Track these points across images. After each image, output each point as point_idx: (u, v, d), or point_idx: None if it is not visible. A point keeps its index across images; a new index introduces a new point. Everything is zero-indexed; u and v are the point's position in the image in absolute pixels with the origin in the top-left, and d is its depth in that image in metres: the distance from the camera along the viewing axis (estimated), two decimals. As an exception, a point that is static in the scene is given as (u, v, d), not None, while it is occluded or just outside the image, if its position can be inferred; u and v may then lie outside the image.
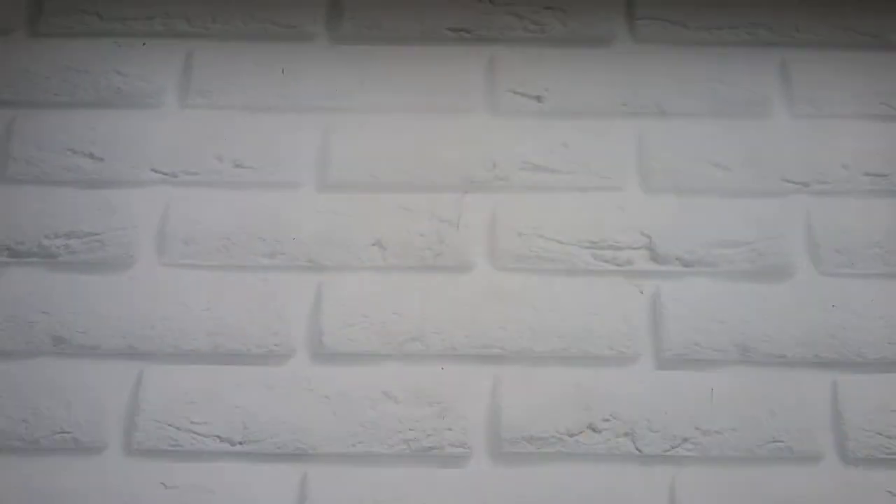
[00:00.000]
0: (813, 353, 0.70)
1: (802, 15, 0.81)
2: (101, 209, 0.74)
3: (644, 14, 0.81)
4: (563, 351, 0.70)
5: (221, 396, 0.69)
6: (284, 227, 0.73)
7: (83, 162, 0.76)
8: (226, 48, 0.80)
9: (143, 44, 0.81)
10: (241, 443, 0.68)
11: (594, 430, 0.68)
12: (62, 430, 0.68)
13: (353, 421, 0.68)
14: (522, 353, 0.70)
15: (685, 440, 0.68)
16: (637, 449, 0.67)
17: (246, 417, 0.68)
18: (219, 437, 0.68)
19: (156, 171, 0.76)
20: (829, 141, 0.77)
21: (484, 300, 0.71)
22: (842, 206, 0.75)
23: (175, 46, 0.80)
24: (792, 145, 0.77)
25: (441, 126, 0.78)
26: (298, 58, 0.80)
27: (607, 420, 0.68)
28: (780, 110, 0.78)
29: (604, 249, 0.73)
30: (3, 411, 0.68)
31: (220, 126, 0.77)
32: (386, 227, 0.74)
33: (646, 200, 0.75)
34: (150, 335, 0.70)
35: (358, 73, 0.79)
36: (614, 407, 0.69)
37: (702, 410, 0.69)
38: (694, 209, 0.74)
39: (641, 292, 0.72)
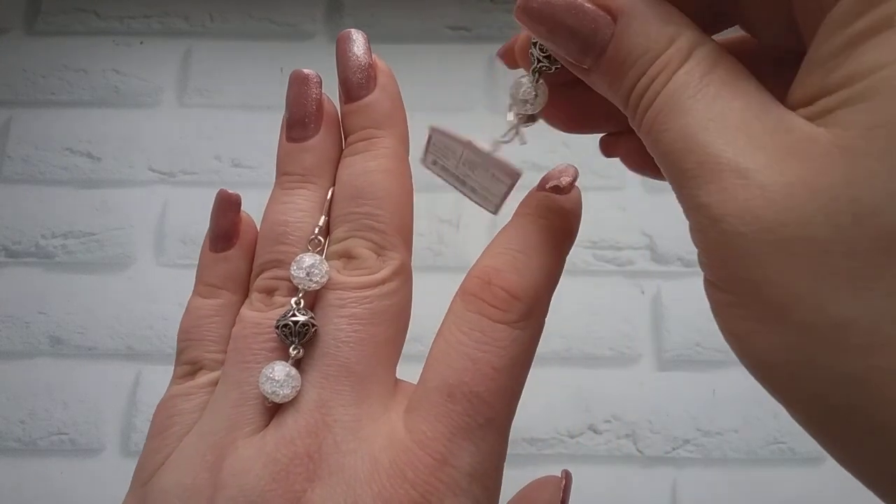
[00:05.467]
0: (815, 353, 0.70)
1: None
2: (98, 209, 0.74)
3: (645, 13, 0.81)
4: (564, 352, 0.69)
5: (220, 397, 0.68)
6: (283, 226, 0.73)
7: (80, 161, 0.76)
8: (224, 47, 0.80)
9: (141, 42, 0.80)
10: (239, 444, 0.67)
11: (595, 431, 0.68)
12: (59, 432, 0.68)
13: (352, 422, 0.68)
14: (523, 353, 0.69)
15: (687, 441, 0.67)
16: (638, 450, 0.67)
17: (244, 418, 0.68)
18: (217, 438, 0.67)
19: (153, 171, 0.75)
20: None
21: (484, 300, 0.71)
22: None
23: (173, 45, 0.80)
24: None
25: (441, 125, 0.77)
26: (297, 56, 0.79)
27: (608, 421, 0.68)
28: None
29: (604, 249, 0.72)
30: (1, 412, 0.68)
31: (219, 125, 0.77)
32: (385, 226, 0.73)
33: (647, 200, 0.75)
34: (147, 336, 0.70)
35: (357, 71, 0.79)
36: (615, 408, 0.68)
37: (703, 411, 0.68)
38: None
39: (643, 292, 0.71)
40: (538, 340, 0.21)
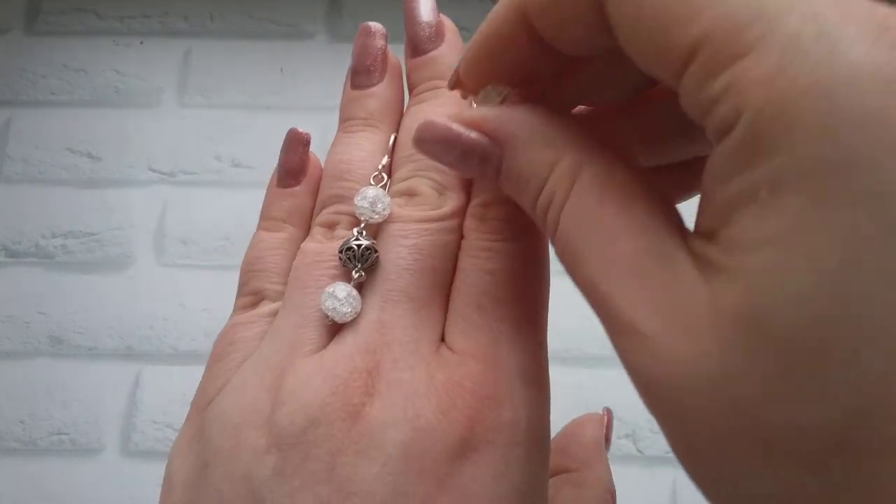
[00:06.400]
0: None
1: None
2: (98, 209, 0.74)
3: (645, 12, 0.81)
4: (563, 351, 0.69)
5: (220, 397, 0.68)
6: (283, 226, 0.73)
7: (81, 161, 0.76)
8: (224, 47, 0.80)
9: (142, 42, 0.80)
10: (239, 444, 0.67)
11: (595, 431, 0.68)
12: (59, 432, 0.68)
13: (352, 422, 0.68)
14: (523, 353, 0.69)
15: (686, 441, 0.67)
16: (638, 450, 0.67)
17: (244, 418, 0.68)
18: (217, 438, 0.67)
19: (154, 171, 0.75)
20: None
21: (484, 300, 0.71)
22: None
23: (173, 45, 0.80)
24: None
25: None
26: (297, 56, 0.79)
27: (608, 421, 0.68)
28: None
29: (604, 249, 0.72)
30: (0, 412, 0.68)
31: (219, 125, 0.77)
32: (385, 226, 0.73)
33: (647, 200, 0.75)
34: (148, 336, 0.70)
35: (357, 71, 0.79)
36: (615, 408, 0.68)
37: (703, 411, 0.68)
38: (693, 207, 0.74)
39: (642, 292, 0.71)
40: (548, 253, 0.21)
